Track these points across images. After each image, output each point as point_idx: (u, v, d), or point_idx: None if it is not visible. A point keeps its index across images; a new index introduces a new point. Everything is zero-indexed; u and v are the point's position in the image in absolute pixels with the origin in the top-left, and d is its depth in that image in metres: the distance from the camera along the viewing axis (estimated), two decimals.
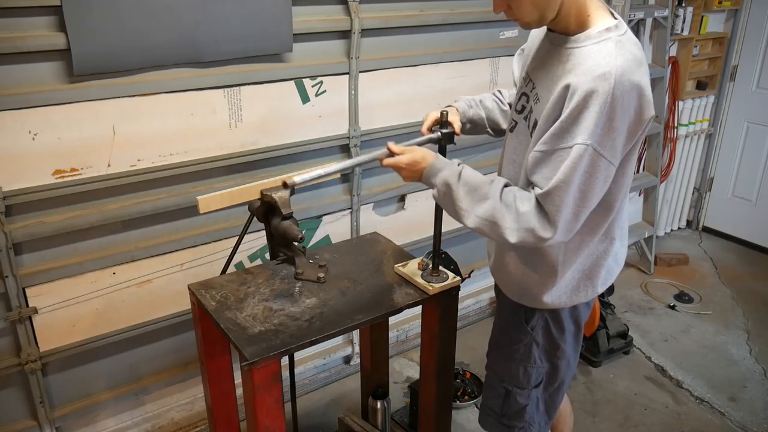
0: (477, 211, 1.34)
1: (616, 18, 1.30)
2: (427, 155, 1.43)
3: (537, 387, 1.63)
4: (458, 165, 1.40)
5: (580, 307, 1.57)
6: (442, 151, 1.57)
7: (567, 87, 1.22)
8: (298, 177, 1.54)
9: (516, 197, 1.32)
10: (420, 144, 1.54)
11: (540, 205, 1.29)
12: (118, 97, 1.87)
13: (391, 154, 1.47)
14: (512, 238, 1.31)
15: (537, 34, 1.48)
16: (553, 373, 1.63)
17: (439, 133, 1.57)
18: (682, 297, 3.43)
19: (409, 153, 1.45)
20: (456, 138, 1.61)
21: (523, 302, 1.54)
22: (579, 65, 1.23)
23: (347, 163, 1.63)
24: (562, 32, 1.31)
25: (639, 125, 1.25)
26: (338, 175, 2.05)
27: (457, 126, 1.60)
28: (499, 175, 1.54)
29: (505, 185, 1.36)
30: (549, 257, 1.44)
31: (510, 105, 1.64)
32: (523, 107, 1.42)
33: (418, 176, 1.44)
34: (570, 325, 1.58)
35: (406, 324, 2.95)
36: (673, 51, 3.60)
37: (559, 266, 1.45)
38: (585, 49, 1.25)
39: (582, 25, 1.28)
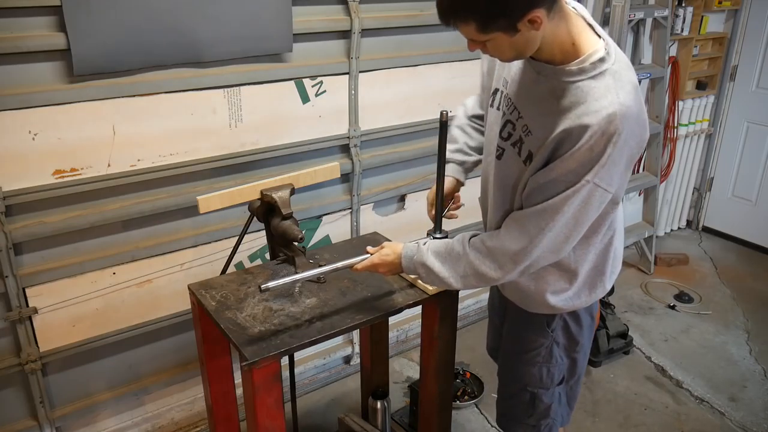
0: (458, 272, 1.40)
1: (600, 36, 1.26)
2: (395, 246, 1.53)
3: (560, 384, 1.65)
4: (424, 244, 1.47)
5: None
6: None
7: (570, 129, 1.20)
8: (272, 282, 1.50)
9: (481, 239, 1.37)
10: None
11: (512, 222, 1.32)
12: (118, 97, 1.87)
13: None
14: (496, 274, 1.35)
15: None
16: (572, 368, 1.65)
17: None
18: (682, 297, 3.43)
19: (378, 251, 1.55)
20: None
21: (543, 311, 1.54)
22: (579, 104, 1.19)
23: (319, 270, 1.60)
24: (547, 61, 1.26)
25: (639, 150, 1.27)
26: (338, 176, 2.06)
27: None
28: (485, 200, 1.55)
29: (471, 236, 1.41)
30: (563, 266, 1.45)
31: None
32: (510, 134, 1.37)
33: (397, 268, 1.53)
34: (587, 319, 1.60)
35: (406, 324, 2.95)
36: (673, 51, 3.60)
37: (573, 271, 1.46)
38: (582, 84, 1.20)
39: (568, 55, 1.23)
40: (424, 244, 1.47)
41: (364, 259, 1.56)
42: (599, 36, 1.27)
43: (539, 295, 1.49)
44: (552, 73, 1.25)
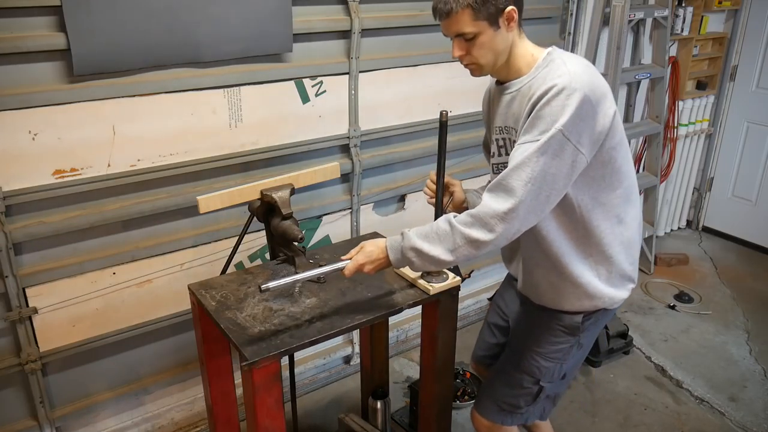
0: (448, 247, 1.41)
1: (549, 47, 1.46)
2: (377, 243, 1.53)
3: (562, 378, 1.71)
4: (408, 231, 1.48)
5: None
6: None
7: (536, 100, 1.34)
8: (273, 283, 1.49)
9: (466, 213, 1.41)
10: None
11: (493, 189, 1.37)
12: (118, 97, 1.87)
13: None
14: (488, 237, 1.37)
15: (487, 99, 1.64)
16: (575, 365, 1.72)
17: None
18: (682, 297, 3.43)
19: (360, 250, 1.53)
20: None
21: (585, 308, 1.58)
22: (540, 86, 1.36)
23: (319, 270, 1.58)
24: (515, 78, 1.46)
25: (604, 118, 1.35)
26: (338, 176, 2.06)
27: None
28: None
29: (454, 215, 1.44)
30: (583, 256, 1.51)
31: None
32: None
33: (384, 263, 1.52)
34: (610, 316, 1.67)
35: (406, 324, 2.95)
36: (673, 51, 3.60)
37: (603, 256, 1.51)
38: (539, 74, 1.41)
39: (530, 66, 1.44)
40: (408, 231, 1.48)
41: (344, 265, 1.53)
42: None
43: (573, 291, 1.54)
44: (518, 84, 1.45)
